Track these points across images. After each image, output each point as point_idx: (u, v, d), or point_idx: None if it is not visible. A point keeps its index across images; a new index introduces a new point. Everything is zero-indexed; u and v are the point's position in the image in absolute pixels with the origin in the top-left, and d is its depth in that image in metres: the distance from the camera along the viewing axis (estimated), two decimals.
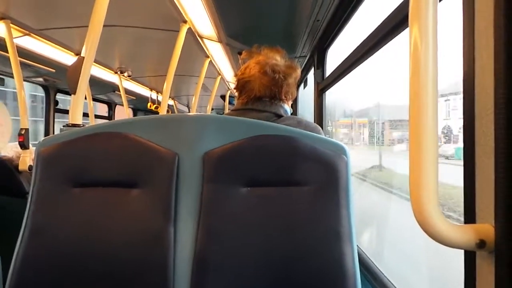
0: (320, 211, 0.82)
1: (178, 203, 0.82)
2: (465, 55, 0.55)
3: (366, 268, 1.33)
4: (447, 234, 0.49)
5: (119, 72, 3.58)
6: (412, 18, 0.50)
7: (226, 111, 5.15)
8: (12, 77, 2.31)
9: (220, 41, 2.44)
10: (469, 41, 0.54)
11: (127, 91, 4.23)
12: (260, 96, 1.17)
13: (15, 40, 2.18)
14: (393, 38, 1.07)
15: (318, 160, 0.84)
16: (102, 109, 5.48)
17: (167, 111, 5.08)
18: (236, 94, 1.25)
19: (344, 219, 0.82)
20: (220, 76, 3.87)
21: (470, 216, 0.54)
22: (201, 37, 2.46)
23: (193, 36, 2.39)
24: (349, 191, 0.84)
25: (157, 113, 4.35)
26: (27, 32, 2.24)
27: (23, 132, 2.22)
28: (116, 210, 0.82)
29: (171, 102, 6.14)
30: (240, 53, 1.29)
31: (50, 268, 0.79)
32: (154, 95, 4.94)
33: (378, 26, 1.11)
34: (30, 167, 2.06)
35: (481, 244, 0.49)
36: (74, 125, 1.30)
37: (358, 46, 1.33)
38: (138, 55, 3.20)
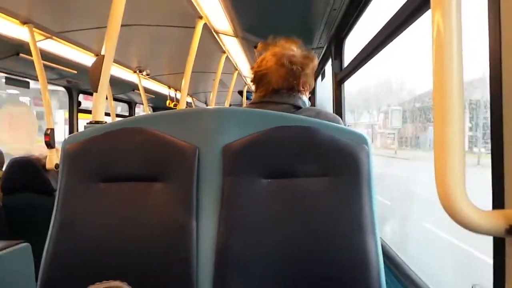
0: (342, 202, 0.81)
1: (200, 196, 0.83)
2: (491, 30, 0.53)
3: (390, 259, 1.31)
4: (475, 220, 0.47)
5: (138, 71, 3.64)
6: (434, 1, 0.48)
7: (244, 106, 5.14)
8: (37, 79, 2.38)
9: (236, 35, 2.44)
10: (495, 13, 0.52)
11: (146, 90, 4.30)
12: (278, 88, 1.16)
13: (38, 44, 2.25)
14: (412, 23, 1.03)
15: (339, 150, 0.83)
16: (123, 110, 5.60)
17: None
18: (253, 87, 1.25)
19: (367, 210, 0.80)
20: (237, 71, 3.88)
21: (498, 201, 0.52)
22: (217, 32, 2.47)
23: (209, 32, 2.40)
24: (371, 181, 0.83)
25: None
26: (49, 35, 2.31)
27: (48, 132, 2.30)
28: (139, 204, 0.84)
29: (189, 99, 6.20)
30: (256, 47, 1.28)
31: (79, 261, 0.81)
32: (172, 93, 5.00)
33: (397, 12, 1.08)
34: (57, 166, 2.13)
35: (511, 229, 0.47)
36: (97, 122, 1.34)
37: (376, 34, 1.30)
38: (156, 53, 3.24)
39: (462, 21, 0.48)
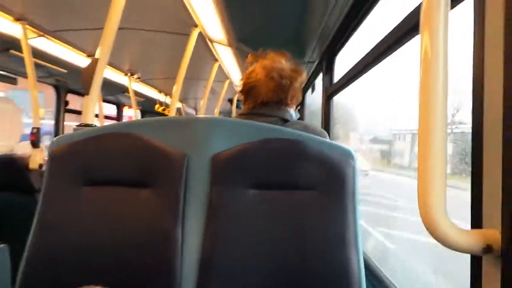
0: (326, 215, 0.82)
1: (186, 204, 0.83)
2: (475, 55, 0.55)
3: (372, 273, 1.32)
4: (454, 238, 0.49)
5: (129, 74, 3.62)
6: (424, 25, 0.51)
7: (234, 115, 5.16)
8: (26, 77, 2.35)
9: (230, 45, 2.46)
10: (480, 41, 0.55)
11: (136, 93, 4.28)
12: (267, 101, 1.17)
13: (29, 41, 2.22)
14: (403, 45, 1.07)
15: (325, 164, 0.84)
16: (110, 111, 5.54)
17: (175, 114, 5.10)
18: (242, 98, 1.25)
19: (350, 224, 0.82)
20: (228, 80, 3.90)
21: (477, 221, 0.54)
22: (211, 41, 2.49)
23: (203, 40, 2.41)
24: (356, 196, 0.84)
25: (165, 115, 4.38)
26: (42, 33, 2.29)
27: (34, 131, 2.26)
28: (124, 209, 0.83)
29: (179, 104, 6.18)
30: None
31: (59, 263, 0.80)
32: (162, 97, 4.98)
33: (388, 33, 1.11)
34: (41, 166, 2.10)
35: (488, 249, 0.50)
36: (86, 125, 1.32)
37: (367, 53, 1.34)
38: (149, 57, 3.24)
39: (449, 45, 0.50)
